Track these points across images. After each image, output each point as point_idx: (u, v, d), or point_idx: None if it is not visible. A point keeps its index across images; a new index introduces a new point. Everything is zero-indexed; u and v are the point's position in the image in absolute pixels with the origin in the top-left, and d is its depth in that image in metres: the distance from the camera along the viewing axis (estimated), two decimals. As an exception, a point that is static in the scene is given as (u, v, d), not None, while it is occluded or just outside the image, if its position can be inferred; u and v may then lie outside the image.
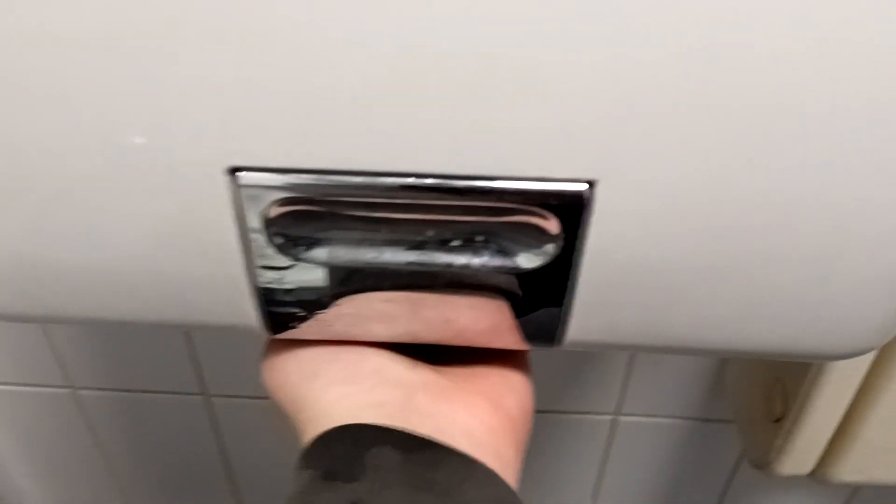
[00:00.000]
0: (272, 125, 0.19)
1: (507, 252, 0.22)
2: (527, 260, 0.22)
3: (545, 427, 0.60)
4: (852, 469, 0.42)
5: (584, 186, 0.20)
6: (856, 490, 0.64)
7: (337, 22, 0.18)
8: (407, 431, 0.24)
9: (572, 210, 0.20)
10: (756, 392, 0.46)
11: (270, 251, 0.22)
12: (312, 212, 0.21)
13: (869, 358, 0.38)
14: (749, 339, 0.24)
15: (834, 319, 0.24)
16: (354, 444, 0.24)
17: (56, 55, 0.19)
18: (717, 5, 0.17)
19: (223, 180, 0.20)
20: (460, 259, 0.22)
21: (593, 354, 0.55)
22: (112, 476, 0.69)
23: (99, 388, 0.61)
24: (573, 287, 0.23)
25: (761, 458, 0.45)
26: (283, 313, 0.24)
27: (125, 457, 0.67)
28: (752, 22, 0.17)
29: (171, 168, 0.20)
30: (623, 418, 0.59)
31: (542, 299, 0.23)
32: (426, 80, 0.18)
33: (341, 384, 0.26)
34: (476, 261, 0.22)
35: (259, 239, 0.22)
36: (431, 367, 0.28)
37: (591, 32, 0.18)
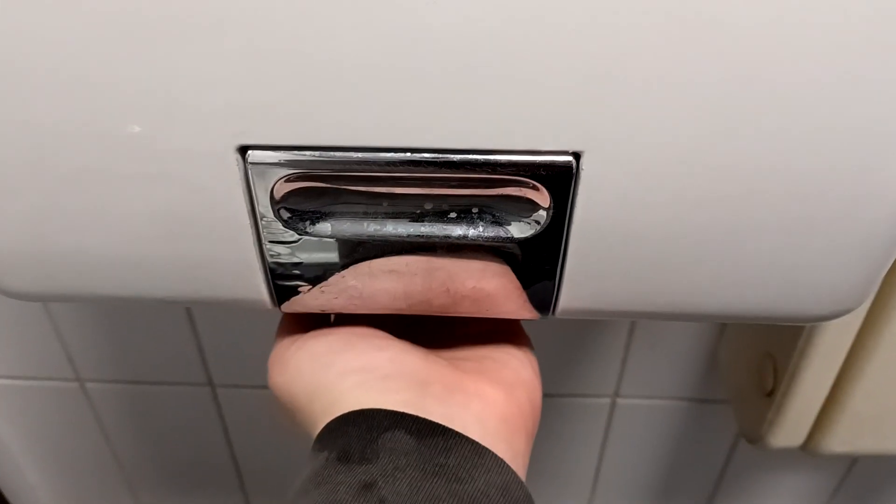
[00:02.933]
0: (279, 105, 0.21)
1: (500, 222, 0.23)
2: (519, 230, 0.23)
3: (546, 411, 0.60)
4: (841, 440, 0.43)
5: (569, 158, 0.21)
6: (850, 469, 0.65)
7: (336, 6, 0.19)
8: (420, 417, 0.25)
9: (560, 180, 0.22)
10: (748, 368, 0.47)
11: (278, 226, 0.23)
12: (317, 187, 0.23)
13: (854, 332, 0.39)
14: (733, 303, 0.25)
15: (813, 283, 0.25)
16: (369, 428, 0.24)
17: (69, 42, 0.20)
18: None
19: (234, 158, 0.22)
20: (457, 230, 0.23)
21: (591, 338, 0.56)
22: (119, 467, 0.69)
23: (106, 381, 0.62)
24: (564, 256, 0.24)
25: (754, 432, 0.46)
26: (291, 287, 0.25)
27: (132, 448, 0.68)
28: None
29: (185, 149, 0.22)
30: (621, 400, 0.60)
31: (535, 269, 0.24)
32: (422, 60, 0.20)
33: (357, 373, 0.26)
34: (472, 231, 0.23)
35: (268, 215, 0.23)
36: (444, 360, 0.28)
37: (573, 13, 0.19)
